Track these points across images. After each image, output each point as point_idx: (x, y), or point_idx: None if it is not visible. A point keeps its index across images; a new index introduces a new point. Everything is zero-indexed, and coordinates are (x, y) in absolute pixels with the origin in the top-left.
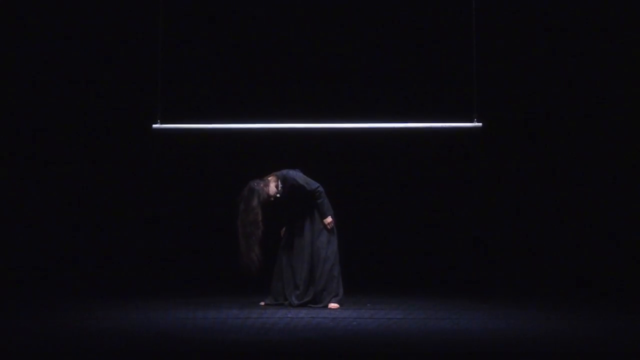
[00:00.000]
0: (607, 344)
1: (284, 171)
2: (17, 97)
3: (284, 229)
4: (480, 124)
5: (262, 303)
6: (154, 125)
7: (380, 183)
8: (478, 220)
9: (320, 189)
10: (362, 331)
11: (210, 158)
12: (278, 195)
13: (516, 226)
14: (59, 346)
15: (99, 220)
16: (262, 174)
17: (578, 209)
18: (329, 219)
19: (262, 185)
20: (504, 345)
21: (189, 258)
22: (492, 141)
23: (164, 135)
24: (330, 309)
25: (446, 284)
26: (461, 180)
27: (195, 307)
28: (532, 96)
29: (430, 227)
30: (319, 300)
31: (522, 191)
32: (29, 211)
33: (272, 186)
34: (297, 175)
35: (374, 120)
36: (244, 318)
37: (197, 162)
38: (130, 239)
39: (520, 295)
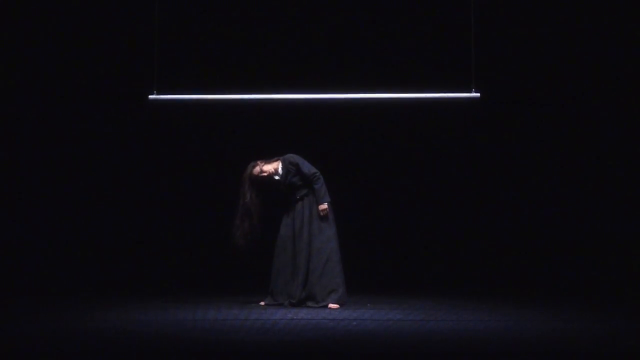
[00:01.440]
0: (607, 344)
1: (288, 155)
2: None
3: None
4: (478, 94)
5: (262, 303)
6: (150, 96)
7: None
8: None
9: (319, 174)
10: (362, 331)
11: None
12: (277, 177)
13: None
14: (59, 346)
15: (95, 207)
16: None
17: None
18: (324, 206)
19: (258, 162)
20: (504, 345)
21: (188, 258)
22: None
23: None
24: (331, 308)
25: (446, 284)
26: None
27: (195, 307)
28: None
29: (430, 215)
30: (314, 295)
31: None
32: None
33: (271, 166)
34: (299, 158)
35: (371, 90)
36: (244, 318)
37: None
38: (129, 231)
39: (521, 295)
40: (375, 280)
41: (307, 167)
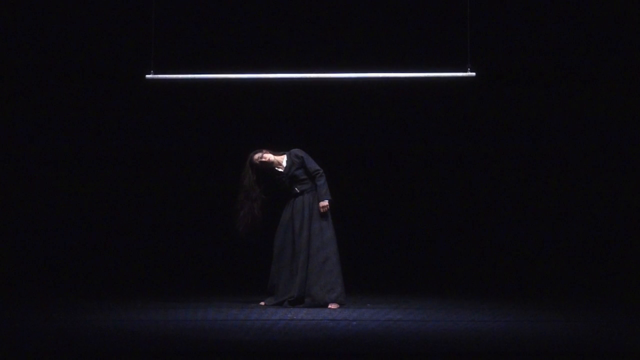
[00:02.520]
0: (608, 343)
1: (294, 149)
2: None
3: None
4: (473, 74)
5: (262, 303)
6: (148, 76)
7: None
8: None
9: (323, 172)
10: (362, 331)
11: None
12: (280, 169)
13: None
14: (59, 346)
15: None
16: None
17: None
18: (325, 202)
19: (262, 150)
20: (504, 345)
21: (188, 258)
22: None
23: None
24: (330, 308)
25: (446, 284)
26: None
27: (195, 307)
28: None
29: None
30: (314, 295)
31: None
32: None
33: (275, 158)
34: (304, 153)
35: (367, 70)
36: (244, 318)
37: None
38: (129, 230)
39: (521, 296)
40: (375, 280)
41: (312, 163)
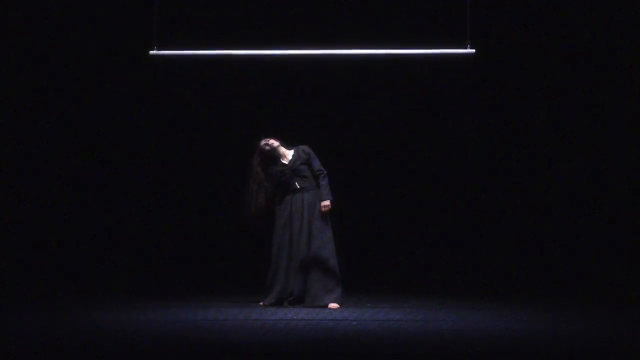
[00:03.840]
0: (608, 343)
1: (303, 145)
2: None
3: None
4: (473, 50)
5: (261, 303)
6: (151, 52)
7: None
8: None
9: (326, 172)
10: (362, 331)
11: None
12: (285, 162)
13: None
14: (59, 346)
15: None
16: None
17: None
18: (327, 202)
19: (272, 138)
20: (504, 345)
21: (188, 258)
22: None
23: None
24: (331, 308)
25: (446, 284)
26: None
27: (195, 307)
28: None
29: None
30: (313, 295)
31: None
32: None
33: (282, 149)
34: (312, 151)
35: (365, 46)
36: (244, 318)
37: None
38: (129, 229)
39: (520, 296)
40: (375, 280)
41: (317, 162)
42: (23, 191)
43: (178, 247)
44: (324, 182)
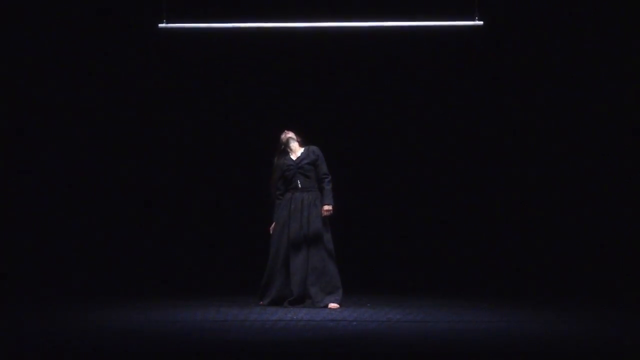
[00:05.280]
0: (608, 343)
1: (314, 146)
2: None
3: (273, 225)
4: (481, 23)
5: (261, 303)
6: (160, 25)
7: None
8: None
9: (331, 178)
10: (362, 331)
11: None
12: (293, 157)
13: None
14: (59, 346)
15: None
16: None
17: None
18: (329, 207)
19: (292, 132)
20: (504, 345)
21: (188, 258)
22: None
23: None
24: (331, 309)
25: (446, 284)
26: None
27: (195, 307)
28: None
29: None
30: (313, 296)
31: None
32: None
33: (296, 145)
34: (321, 153)
35: (373, 18)
36: (244, 318)
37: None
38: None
39: (520, 295)
40: (375, 280)
41: (325, 165)
42: (22, 189)
43: (178, 247)
44: (328, 186)
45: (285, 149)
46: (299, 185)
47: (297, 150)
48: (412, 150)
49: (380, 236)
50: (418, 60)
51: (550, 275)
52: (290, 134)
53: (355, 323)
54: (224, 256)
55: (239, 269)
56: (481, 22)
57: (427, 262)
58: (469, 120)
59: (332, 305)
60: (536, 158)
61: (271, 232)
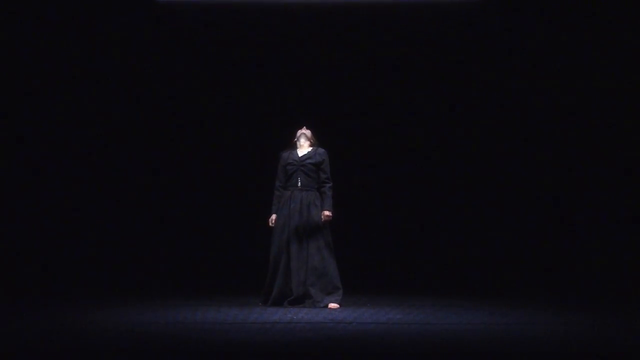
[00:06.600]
0: (607, 343)
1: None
2: None
3: (273, 216)
4: None
5: (261, 303)
6: None
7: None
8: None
9: (332, 184)
10: (362, 331)
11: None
12: (300, 153)
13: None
14: (59, 346)
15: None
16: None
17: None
18: (329, 212)
19: (307, 130)
20: (504, 345)
21: (188, 258)
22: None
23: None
24: (331, 309)
25: (446, 284)
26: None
27: (195, 307)
28: None
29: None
30: (313, 296)
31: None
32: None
33: (306, 143)
34: (327, 157)
35: None
36: (244, 319)
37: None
38: (129, 227)
39: (520, 295)
40: (375, 280)
41: (328, 171)
42: (22, 188)
43: (178, 247)
44: (329, 192)
45: (296, 143)
46: (299, 184)
47: (304, 148)
48: (412, 150)
49: (380, 236)
50: (414, 36)
51: (550, 275)
52: (305, 131)
53: (354, 323)
54: (224, 256)
55: (238, 269)
56: None
57: (427, 262)
58: (468, 120)
59: (332, 305)
60: (537, 155)
61: (270, 224)
